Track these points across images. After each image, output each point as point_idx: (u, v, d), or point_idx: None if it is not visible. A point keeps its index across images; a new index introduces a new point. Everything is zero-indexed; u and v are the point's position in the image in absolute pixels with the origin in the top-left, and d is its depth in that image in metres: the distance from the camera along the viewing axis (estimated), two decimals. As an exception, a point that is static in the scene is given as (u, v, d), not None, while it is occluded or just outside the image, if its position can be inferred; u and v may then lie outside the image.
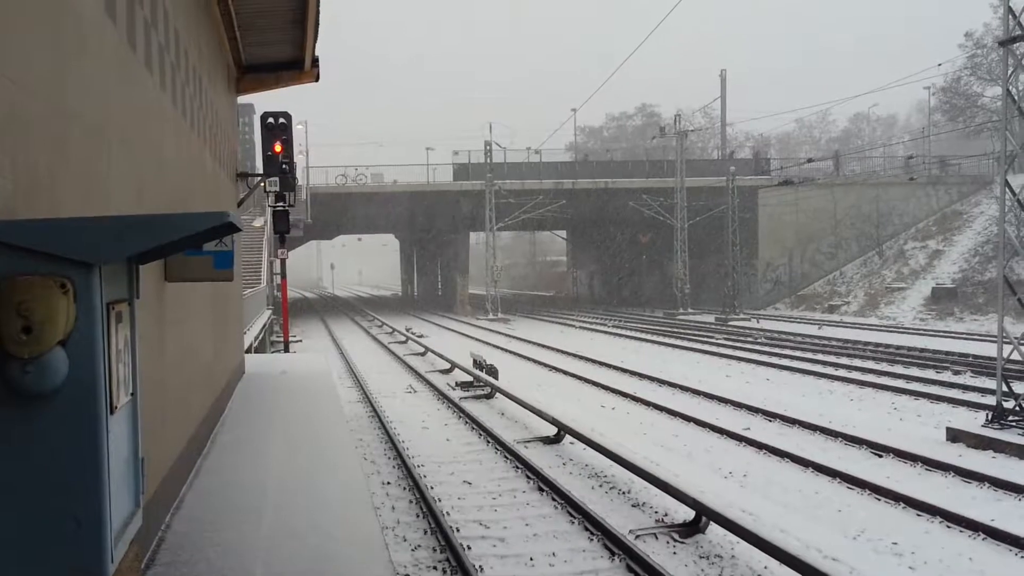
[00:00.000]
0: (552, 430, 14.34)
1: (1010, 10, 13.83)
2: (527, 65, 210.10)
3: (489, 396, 18.90)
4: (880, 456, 12.72)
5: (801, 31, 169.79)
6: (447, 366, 23.98)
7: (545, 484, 11.09)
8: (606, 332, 37.11)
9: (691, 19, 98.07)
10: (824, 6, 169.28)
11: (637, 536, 8.94)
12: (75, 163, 3.95)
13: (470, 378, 20.67)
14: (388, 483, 11.45)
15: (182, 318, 7.27)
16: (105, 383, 2.75)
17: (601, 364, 24.50)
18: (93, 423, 2.70)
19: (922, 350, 25.38)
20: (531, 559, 8.47)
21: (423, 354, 28.38)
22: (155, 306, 5.85)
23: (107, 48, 4.61)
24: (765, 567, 8.05)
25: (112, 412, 2.84)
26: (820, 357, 24.75)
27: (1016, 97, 14.19)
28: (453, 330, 39.56)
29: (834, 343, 28.25)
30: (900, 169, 50.15)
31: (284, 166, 15.37)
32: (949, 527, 9.40)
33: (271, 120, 15.33)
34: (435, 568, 8.20)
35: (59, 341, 2.60)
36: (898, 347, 26.36)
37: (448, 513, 9.90)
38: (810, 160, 48.34)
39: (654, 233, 53.76)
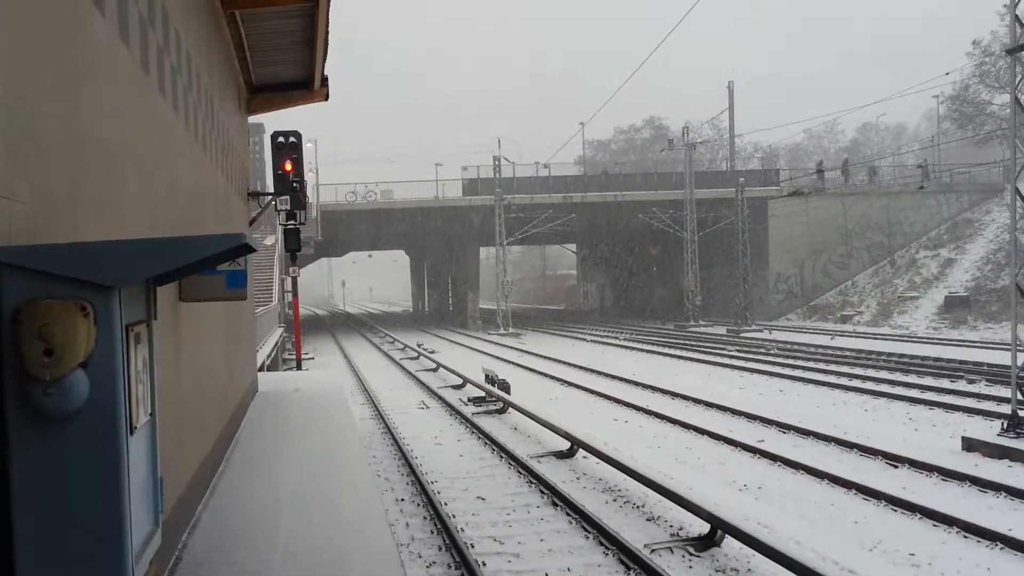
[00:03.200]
0: (565, 444, 14.32)
1: (1017, 18, 13.84)
2: (535, 80, 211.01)
3: (501, 411, 18.89)
4: (896, 467, 12.66)
5: (809, 42, 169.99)
6: (459, 381, 23.99)
7: (559, 499, 11.07)
8: (617, 345, 37.06)
9: (699, 32, 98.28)
10: (831, 17, 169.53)
11: (652, 550, 8.92)
12: (92, 186, 4.00)
13: (482, 393, 20.66)
14: (402, 499, 11.46)
15: (197, 337, 7.32)
16: (125, 404, 2.78)
17: (613, 377, 24.46)
18: (113, 443, 2.73)
19: (936, 359, 25.26)
20: (546, 574, 8.45)
21: (435, 370, 28.40)
22: (171, 326, 5.90)
23: (121, 71, 4.68)
24: (781, 580, 8.01)
25: (132, 432, 2.87)
26: (833, 368, 24.66)
27: (1025, 105, 14.14)
28: (464, 345, 39.57)
29: (847, 353, 28.14)
30: (910, 178, 49.97)
31: (294, 185, 15.46)
32: (966, 537, 9.35)
33: (281, 139, 15.43)
34: (450, 584, 8.20)
35: (80, 363, 2.64)
36: (912, 357, 26.22)
37: (462, 529, 9.89)
38: (820, 171, 48.17)
39: (664, 245, 53.75)
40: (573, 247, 72.54)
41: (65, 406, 2.63)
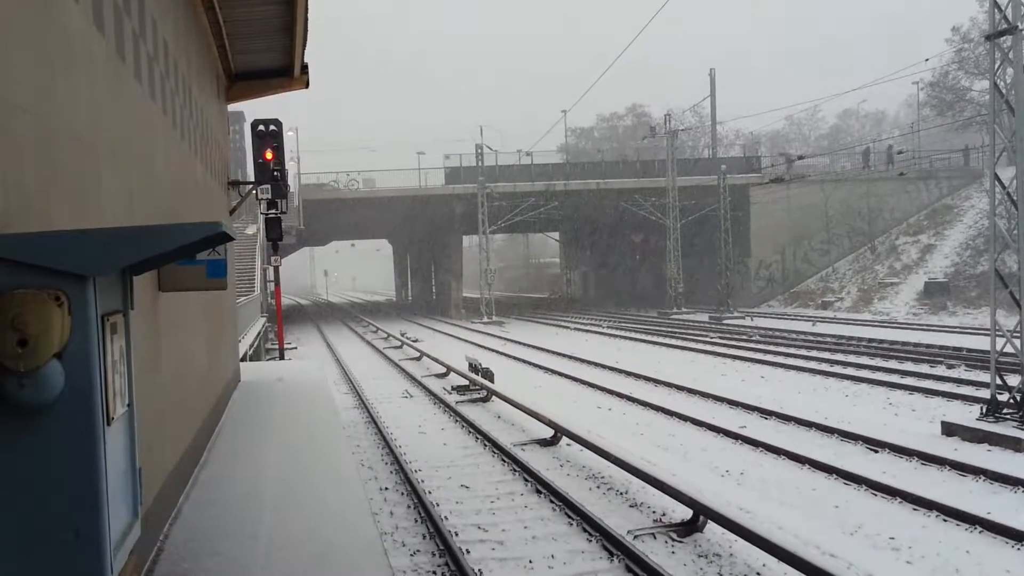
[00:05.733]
0: (549, 432, 14.35)
1: (995, 4, 13.89)
2: (518, 67, 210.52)
3: (485, 399, 18.90)
4: (876, 451, 12.76)
5: (790, 29, 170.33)
6: (443, 370, 23.97)
7: (543, 486, 11.09)
8: (601, 333, 37.13)
9: (681, 19, 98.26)
10: (811, 4, 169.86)
11: (635, 536, 8.95)
12: (67, 175, 3.95)
13: (466, 382, 20.66)
14: (386, 488, 11.45)
15: (177, 327, 7.26)
16: (101, 394, 2.76)
17: (596, 365, 24.51)
18: (90, 435, 2.70)
19: (916, 345, 25.46)
20: (530, 561, 8.48)
21: (418, 359, 28.36)
22: (150, 316, 5.85)
23: (96, 60, 4.62)
24: (764, 564, 8.07)
25: (108, 423, 2.85)
26: (814, 354, 24.81)
27: (1003, 91, 14.24)
28: (448, 334, 39.53)
29: (828, 339, 28.32)
30: (890, 164, 50.27)
31: (275, 173, 15.35)
32: (946, 521, 9.43)
33: (262, 128, 15.32)
34: (434, 573, 8.21)
35: (55, 354, 2.61)
36: (892, 342, 26.42)
37: (446, 517, 9.90)
38: (801, 157, 48.48)
39: (647, 233, 53.84)
40: (556, 235, 72.57)
41: (40, 397, 2.60)
